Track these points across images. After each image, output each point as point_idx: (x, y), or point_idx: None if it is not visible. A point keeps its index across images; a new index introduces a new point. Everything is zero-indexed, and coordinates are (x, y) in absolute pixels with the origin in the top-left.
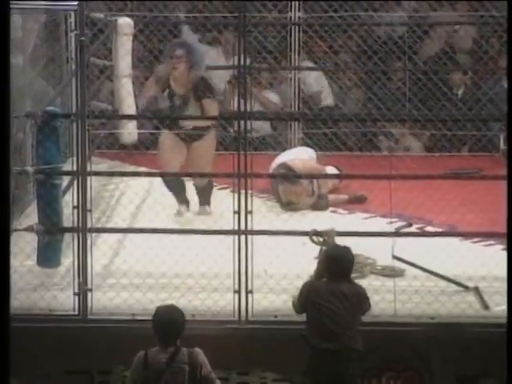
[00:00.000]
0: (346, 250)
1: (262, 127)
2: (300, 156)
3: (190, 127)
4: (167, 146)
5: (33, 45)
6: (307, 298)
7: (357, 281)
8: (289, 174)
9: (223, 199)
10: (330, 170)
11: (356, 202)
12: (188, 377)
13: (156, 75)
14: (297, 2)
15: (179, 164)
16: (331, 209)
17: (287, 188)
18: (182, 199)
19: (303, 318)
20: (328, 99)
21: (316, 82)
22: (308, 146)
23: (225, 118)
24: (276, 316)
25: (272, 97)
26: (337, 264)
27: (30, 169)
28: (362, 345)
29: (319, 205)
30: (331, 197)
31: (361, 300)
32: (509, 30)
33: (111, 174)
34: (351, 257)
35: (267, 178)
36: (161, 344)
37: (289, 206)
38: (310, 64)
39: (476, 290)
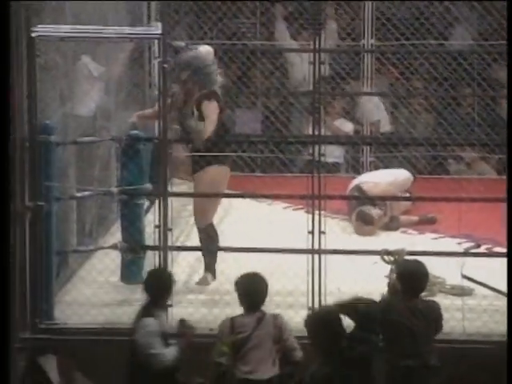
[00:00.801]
0: (421, 265)
1: (333, 152)
2: (375, 179)
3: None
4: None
5: (119, 71)
6: (384, 316)
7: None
8: (361, 197)
9: (298, 220)
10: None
11: (426, 223)
12: (273, 340)
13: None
14: (370, 30)
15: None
16: (402, 229)
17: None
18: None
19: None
20: (386, 126)
21: (376, 110)
22: (378, 168)
23: (300, 142)
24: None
25: (344, 125)
26: (413, 280)
27: (114, 190)
28: (438, 361)
29: (391, 226)
30: (403, 218)
31: (436, 316)
32: (509, 29)
33: (190, 195)
34: (426, 272)
35: (340, 200)
36: (246, 310)
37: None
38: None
39: None
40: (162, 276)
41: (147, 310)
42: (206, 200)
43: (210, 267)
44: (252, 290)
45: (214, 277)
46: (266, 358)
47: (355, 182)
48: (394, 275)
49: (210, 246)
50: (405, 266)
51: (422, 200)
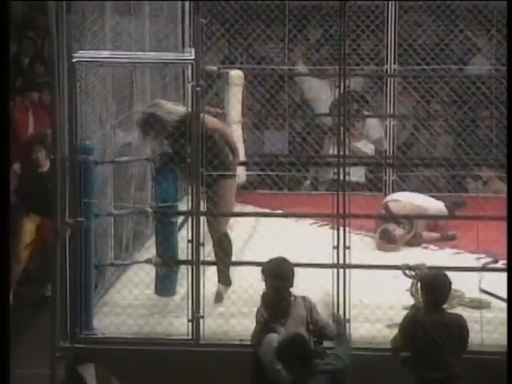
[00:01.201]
0: (443, 276)
1: (356, 172)
2: (404, 199)
3: None
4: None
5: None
6: (412, 331)
7: None
8: (383, 216)
9: (323, 235)
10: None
11: (447, 240)
12: (306, 321)
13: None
14: (392, 56)
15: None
16: (423, 245)
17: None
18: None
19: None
20: (384, 145)
21: (378, 129)
22: (401, 187)
23: (326, 164)
24: (371, 343)
25: (366, 146)
26: (435, 292)
27: (149, 209)
28: (463, 373)
29: (413, 242)
30: (425, 234)
31: (461, 329)
32: (509, 29)
33: (220, 215)
34: (448, 283)
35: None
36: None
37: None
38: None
39: None
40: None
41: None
42: (220, 208)
43: (223, 279)
44: (280, 273)
45: (230, 284)
46: None
47: (387, 198)
48: (417, 288)
49: (224, 257)
50: (427, 278)
51: (443, 218)
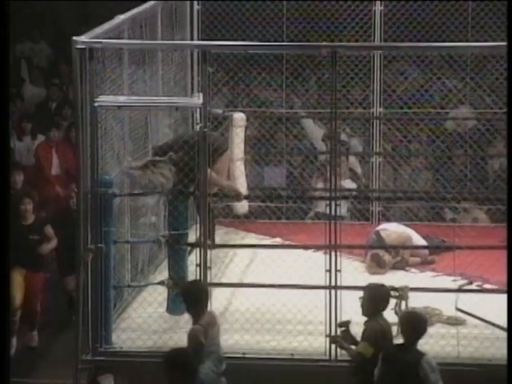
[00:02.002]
0: (420, 317)
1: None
2: (394, 229)
3: None
4: None
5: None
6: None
7: None
8: (372, 246)
9: (317, 260)
10: (415, 238)
11: (427, 264)
12: None
13: None
14: (379, 101)
15: None
16: (406, 268)
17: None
18: None
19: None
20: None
21: (357, 166)
22: (386, 217)
23: (319, 197)
24: None
25: (350, 185)
26: (412, 332)
27: (162, 237)
28: None
29: (398, 266)
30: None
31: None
32: (509, 29)
33: (231, 247)
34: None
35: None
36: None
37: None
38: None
39: None
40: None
41: None
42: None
43: None
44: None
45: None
46: None
47: (379, 227)
48: (400, 307)
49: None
50: (406, 316)
51: (424, 248)
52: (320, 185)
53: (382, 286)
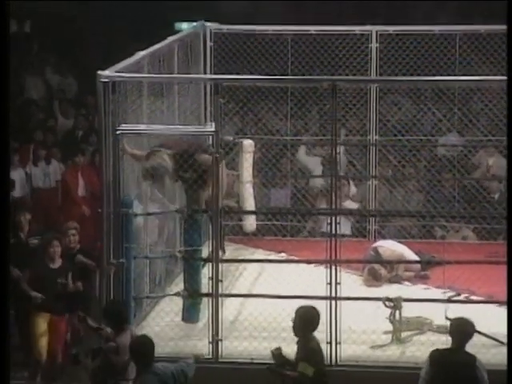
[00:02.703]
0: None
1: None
2: (390, 246)
3: None
4: None
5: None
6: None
7: (417, 337)
8: (369, 260)
9: (319, 274)
10: (409, 254)
11: (419, 278)
12: None
13: None
14: (375, 129)
15: None
16: (400, 281)
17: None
18: None
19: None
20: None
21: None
22: (381, 234)
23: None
24: (357, 361)
25: (351, 205)
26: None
27: (177, 253)
28: None
29: (393, 279)
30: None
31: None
32: (509, 29)
33: (240, 261)
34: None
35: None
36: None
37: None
38: None
39: None
40: None
41: None
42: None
43: None
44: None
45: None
46: None
47: (376, 244)
48: (395, 317)
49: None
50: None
51: (416, 262)
52: (323, 205)
53: (313, 308)
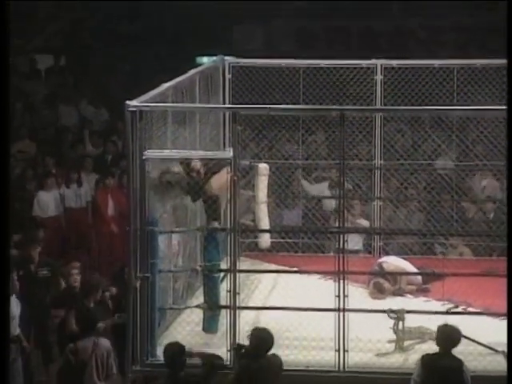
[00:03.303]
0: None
1: (356, 241)
2: (393, 262)
3: None
4: None
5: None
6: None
7: (419, 345)
8: (372, 272)
9: (328, 287)
10: (411, 269)
11: (420, 291)
12: None
13: None
14: (379, 154)
15: None
16: (403, 294)
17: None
18: None
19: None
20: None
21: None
22: (385, 251)
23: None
24: (364, 368)
25: (363, 222)
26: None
27: (198, 267)
28: None
29: (396, 292)
30: (404, 287)
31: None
32: (509, 29)
33: (255, 272)
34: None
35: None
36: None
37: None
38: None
39: (504, 352)
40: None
41: None
42: None
43: None
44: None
45: None
46: None
47: (381, 260)
48: (398, 327)
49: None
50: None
51: (417, 274)
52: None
53: (264, 329)
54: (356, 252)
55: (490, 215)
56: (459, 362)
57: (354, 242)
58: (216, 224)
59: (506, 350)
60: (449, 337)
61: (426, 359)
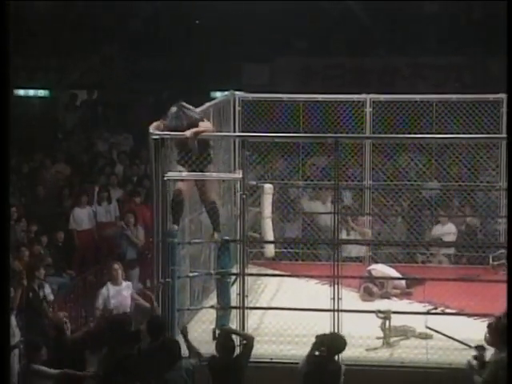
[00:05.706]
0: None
1: (359, 249)
2: (381, 269)
3: None
4: None
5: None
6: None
7: (403, 342)
8: (367, 277)
9: (324, 290)
10: (396, 275)
11: (404, 294)
12: None
13: None
14: (369, 175)
15: None
16: (389, 297)
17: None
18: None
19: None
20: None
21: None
22: (374, 259)
23: (323, 242)
24: (355, 361)
25: (366, 230)
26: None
27: (212, 273)
28: None
29: (383, 295)
30: (390, 291)
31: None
32: (509, 29)
33: (261, 275)
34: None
35: (350, 279)
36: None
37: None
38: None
39: (476, 347)
40: None
41: None
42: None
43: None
44: None
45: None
46: None
47: (370, 267)
48: (385, 325)
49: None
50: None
51: (401, 279)
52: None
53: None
54: (357, 258)
55: (462, 227)
56: (340, 366)
57: (357, 249)
58: (216, 236)
59: (477, 345)
60: (332, 344)
61: (312, 358)
